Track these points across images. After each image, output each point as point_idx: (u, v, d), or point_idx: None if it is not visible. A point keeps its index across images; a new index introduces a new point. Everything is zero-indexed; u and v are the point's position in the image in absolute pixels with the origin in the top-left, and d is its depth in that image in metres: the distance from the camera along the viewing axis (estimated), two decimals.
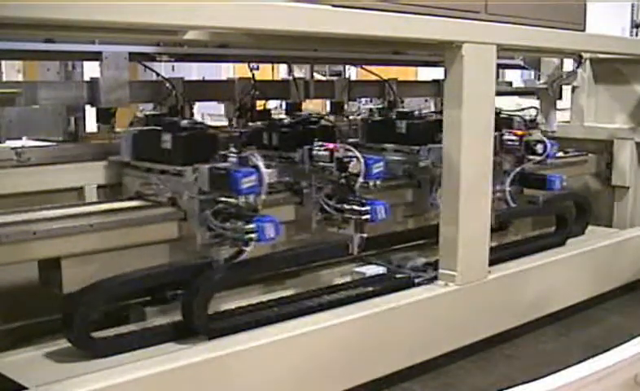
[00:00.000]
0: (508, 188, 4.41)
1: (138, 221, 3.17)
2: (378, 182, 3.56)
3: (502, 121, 4.54)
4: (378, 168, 3.54)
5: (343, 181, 3.54)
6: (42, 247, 2.86)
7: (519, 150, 4.40)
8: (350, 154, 3.51)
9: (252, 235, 3.05)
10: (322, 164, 3.58)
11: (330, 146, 3.57)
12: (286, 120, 4.04)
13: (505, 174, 4.42)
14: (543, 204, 4.72)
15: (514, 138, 4.41)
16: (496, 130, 4.27)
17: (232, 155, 3.19)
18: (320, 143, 3.62)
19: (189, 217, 3.23)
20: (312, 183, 3.67)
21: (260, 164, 3.10)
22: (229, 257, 3.18)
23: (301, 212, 3.71)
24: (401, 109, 4.86)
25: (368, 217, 3.47)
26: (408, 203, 4.32)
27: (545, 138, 4.43)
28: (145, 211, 3.26)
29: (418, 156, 4.25)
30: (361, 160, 3.48)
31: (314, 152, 3.60)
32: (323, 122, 4.01)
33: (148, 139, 3.45)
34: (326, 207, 3.62)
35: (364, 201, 3.50)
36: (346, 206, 3.53)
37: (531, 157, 4.39)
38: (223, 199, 3.16)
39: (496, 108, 4.47)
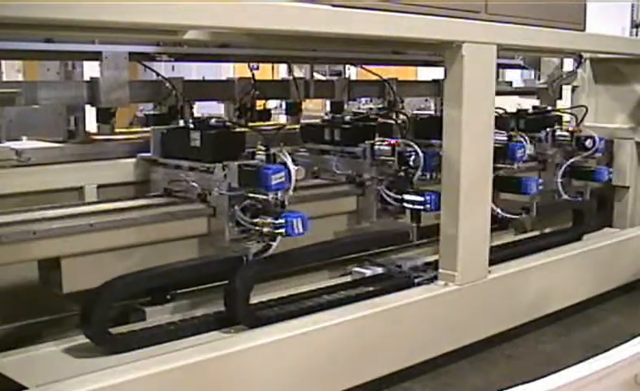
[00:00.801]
0: (560, 180, 4.80)
1: (170, 217, 3.23)
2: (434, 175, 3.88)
3: (553, 118, 5.01)
4: (436, 161, 3.82)
5: (402, 173, 3.85)
6: (42, 247, 2.86)
7: (570, 145, 4.81)
8: (410, 149, 3.81)
9: (281, 230, 3.13)
10: (383, 158, 3.86)
11: (392, 141, 3.86)
12: (347, 118, 4.22)
13: (556, 167, 4.83)
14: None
15: (565, 133, 4.84)
16: (547, 127, 4.82)
17: (260, 152, 3.26)
18: (381, 139, 3.90)
19: (218, 212, 3.27)
20: (373, 176, 3.92)
21: (289, 160, 3.18)
22: (257, 252, 3.26)
23: (362, 202, 3.96)
24: None
25: (428, 206, 3.73)
26: None
27: (594, 134, 4.80)
28: (175, 207, 3.31)
29: None
30: (421, 155, 3.75)
31: (376, 147, 3.87)
32: (382, 120, 4.25)
33: (177, 137, 3.50)
34: (387, 198, 3.88)
35: (421, 192, 3.79)
36: (406, 197, 3.81)
37: (580, 152, 4.80)
38: (252, 195, 3.22)
39: (545, 106, 5.23)
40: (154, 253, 3.16)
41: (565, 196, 4.86)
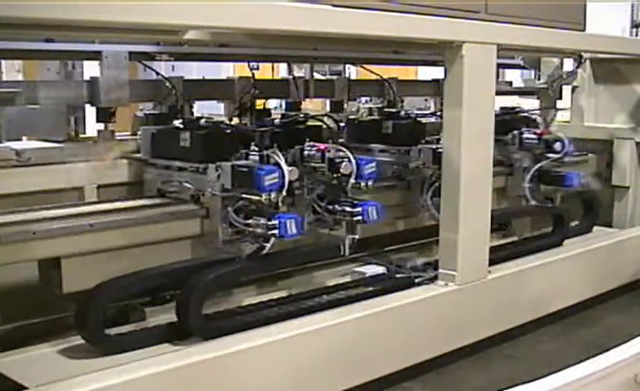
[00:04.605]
0: (527, 185, 4.55)
1: (163, 219, 3.22)
2: (369, 183, 3.50)
3: (522, 120, 4.74)
4: (370, 169, 3.50)
5: (334, 182, 3.50)
6: (42, 247, 2.86)
7: (538, 148, 4.53)
8: (341, 154, 3.46)
9: (274, 231, 3.10)
10: (313, 164, 3.48)
11: (322, 146, 3.48)
12: (276, 121, 3.89)
13: (524, 171, 4.56)
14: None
15: (533, 136, 4.55)
16: (515, 129, 4.56)
17: (253, 153, 3.23)
18: (311, 144, 3.51)
19: (211, 214, 3.26)
20: (303, 184, 3.53)
21: (282, 162, 3.15)
22: (250, 253, 3.24)
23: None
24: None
25: (360, 217, 3.44)
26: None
27: (563, 137, 4.53)
28: (168, 208, 3.30)
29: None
30: (353, 161, 3.43)
31: (305, 153, 3.49)
32: (312, 122, 3.93)
33: (167, 137, 3.48)
34: (317, 208, 3.54)
35: (356, 202, 3.46)
36: (337, 207, 3.49)
37: (549, 155, 4.51)
38: (245, 196, 3.20)
39: (514, 107, 4.89)
40: (154, 253, 3.16)
41: (532, 201, 4.61)
